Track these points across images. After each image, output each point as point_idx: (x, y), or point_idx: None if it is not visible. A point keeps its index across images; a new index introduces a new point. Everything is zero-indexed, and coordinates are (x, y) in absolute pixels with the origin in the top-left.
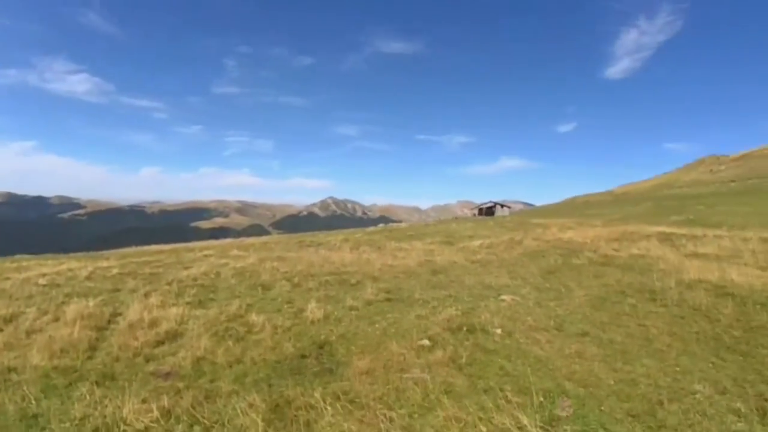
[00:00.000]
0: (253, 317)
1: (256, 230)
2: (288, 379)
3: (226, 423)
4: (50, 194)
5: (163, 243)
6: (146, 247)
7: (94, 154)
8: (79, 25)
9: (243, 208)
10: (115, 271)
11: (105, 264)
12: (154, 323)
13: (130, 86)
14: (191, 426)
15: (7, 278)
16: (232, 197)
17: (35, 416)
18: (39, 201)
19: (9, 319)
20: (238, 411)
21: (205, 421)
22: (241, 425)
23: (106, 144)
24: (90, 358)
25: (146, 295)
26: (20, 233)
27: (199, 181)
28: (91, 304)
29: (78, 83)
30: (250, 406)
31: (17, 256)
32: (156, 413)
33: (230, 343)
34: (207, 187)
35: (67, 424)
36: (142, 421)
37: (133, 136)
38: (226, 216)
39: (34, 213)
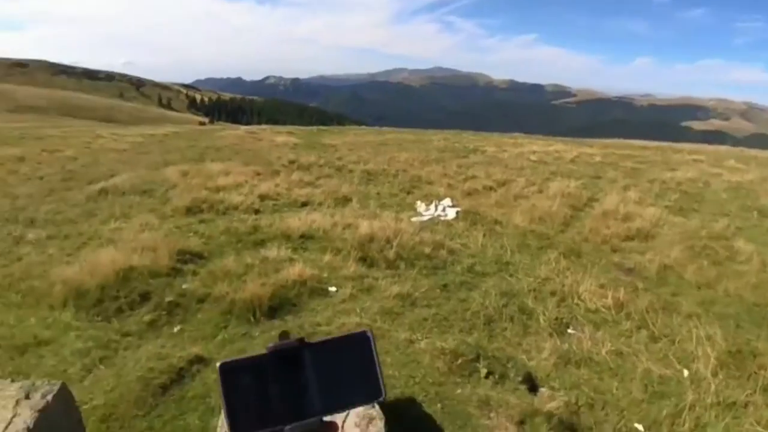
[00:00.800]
0: (740, 244)
1: (760, 140)
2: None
3: (676, 342)
4: (546, 82)
5: (648, 139)
6: (630, 141)
7: (587, 44)
8: None
9: (748, 112)
10: (597, 158)
11: (589, 150)
12: (627, 217)
13: None
14: (639, 329)
15: (505, 151)
16: (737, 97)
17: (507, 263)
18: (535, 88)
19: (502, 183)
20: (693, 336)
21: (654, 330)
22: (692, 352)
23: (601, 33)
24: (562, 231)
25: (625, 188)
26: (517, 115)
27: (697, 74)
28: (572, 184)
29: None
30: (708, 338)
31: (514, 134)
32: (610, 301)
33: (705, 262)
34: (706, 82)
35: (531, 279)
36: (595, 303)
37: (629, 23)
38: (726, 118)
39: (531, 98)
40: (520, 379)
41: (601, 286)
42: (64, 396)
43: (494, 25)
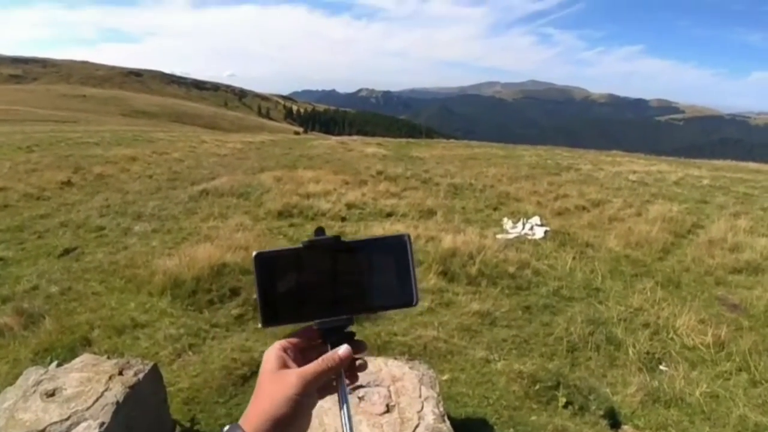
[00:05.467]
0: None
1: None
2: None
3: None
4: (650, 97)
5: (762, 161)
6: (743, 163)
7: (699, 56)
8: None
9: None
10: (705, 182)
11: (696, 173)
12: (736, 248)
13: None
14: (739, 371)
15: (601, 169)
16: None
17: (597, 289)
18: (638, 103)
19: (597, 204)
20: None
21: (756, 374)
22: None
23: (714, 45)
24: (661, 259)
25: (735, 215)
26: (617, 132)
27: None
28: (674, 209)
29: None
30: None
31: (612, 151)
32: (709, 338)
33: None
34: None
35: (622, 308)
36: (692, 339)
37: (746, 35)
38: None
39: (632, 114)
40: (601, 413)
41: (701, 322)
42: (154, 376)
43: (595, 36)
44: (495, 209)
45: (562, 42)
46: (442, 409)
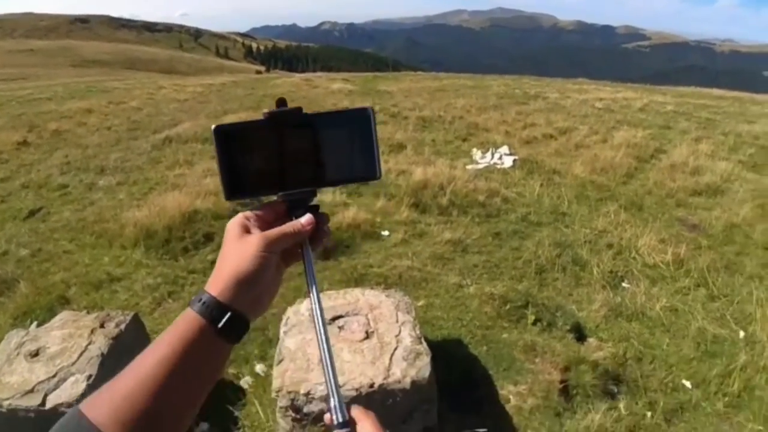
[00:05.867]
0: None
1: None
2: None
3: (735, 303)
4: (618, 24)
5: (726, 88)
6: (706, 89)
7: None
8: None
9: None
10: (669, 107)
11: (661, 99)
12: (696, 171)
13: None
14: (697, 286)
15: (568, 97)
16: None
17: (564, 214)
18: (606, 30)
19: (563, 132)
20: (754, 297)
21: (714, 289)
22: (750, 314)
23: None
24: (624, 183)
25: (696, 140)
26: (584, 59)
27: None
28: (639, 134)
29: None
30: None
31: (579, 79)
32: (669, 257)
33: None
34: None
35: (587, 231)
36: (653, 258)
37: None
38: None
39: (600, 41)
40: (568, 328)
41: (662, 241)
42: (135, 325)
43: None
44: (464, 140)
45: None
46: (418, 332)
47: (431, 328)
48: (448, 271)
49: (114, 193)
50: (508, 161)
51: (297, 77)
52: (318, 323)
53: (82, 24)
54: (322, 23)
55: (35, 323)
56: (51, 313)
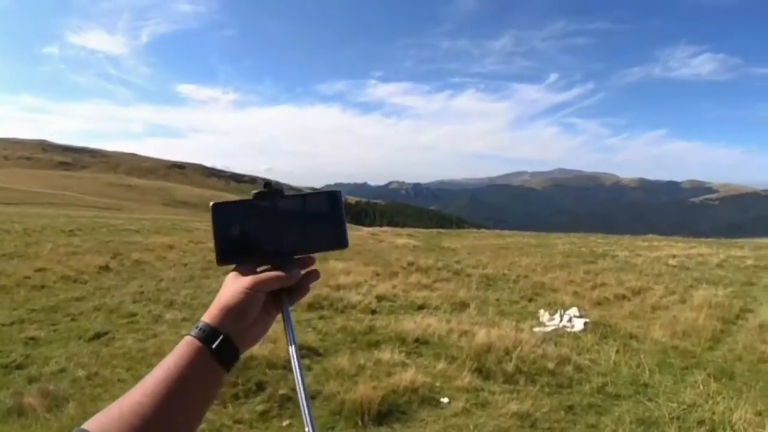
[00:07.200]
0: None
1: None
2: None
3: None
4: (681, 179)
5: None
6: None
7: (724, 134)
8: (694, 6)
9: None
10: (749, 262)
11: (738, 253)
12: None
13: (760, 56)
14: None
15: (639, 255)
16: None
17: (645, 385)
18: (670, 185)
19: (637, 292)
20: None
21: None
22: None
23: (737, 122)
24: (711, 348)
25: None
26: (651, 215)
27: None
28: (720, 293)
29: (701, 64)
30: None
31: (648, 236)
32: None
33: None
34: None
35: (674, 405)
36: None
37: None
38: None
39: (665, 196)
40: None
41: (758, 414)
42: None
43: (619, 123)
44: (530, 300)
45: (587, 130)
46: None
47: None
48: None
49: (178, 327)
50: (578, 324)
51: (364, 231)
52: (295, 364)
53: (178, 169)
54: (390, 182)
55: None
56: None
